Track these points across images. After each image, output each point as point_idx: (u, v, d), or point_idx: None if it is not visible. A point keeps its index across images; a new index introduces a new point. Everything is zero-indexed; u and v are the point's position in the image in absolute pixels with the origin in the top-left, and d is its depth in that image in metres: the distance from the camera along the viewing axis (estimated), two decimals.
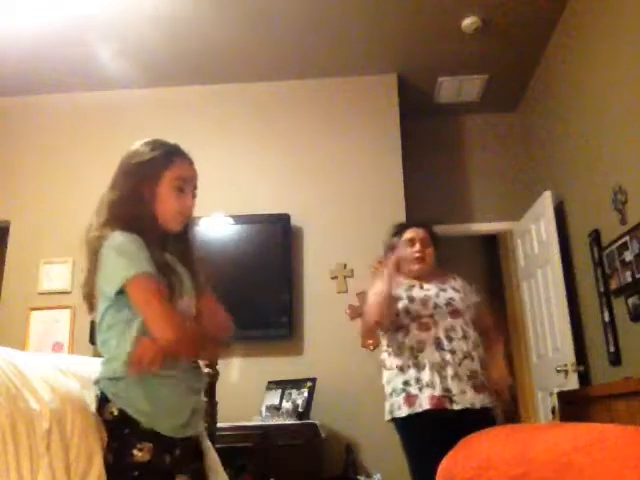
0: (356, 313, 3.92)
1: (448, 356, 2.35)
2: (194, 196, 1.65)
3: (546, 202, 3.91)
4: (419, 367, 2.35)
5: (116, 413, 1.38)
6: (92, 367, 1.65)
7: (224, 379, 3.05)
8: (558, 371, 3.56)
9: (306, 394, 3.44)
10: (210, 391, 2.40)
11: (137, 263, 1.42)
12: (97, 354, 1.56)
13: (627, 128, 3.02)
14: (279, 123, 4.36)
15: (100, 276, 1.45)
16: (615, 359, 3.19)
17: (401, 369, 2.40)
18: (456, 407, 2.28)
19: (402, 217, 4.04)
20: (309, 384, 3.48)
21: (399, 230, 2.67)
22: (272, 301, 3.85)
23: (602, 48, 3.31)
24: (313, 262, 4.04)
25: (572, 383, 3.44)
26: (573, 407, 2.83)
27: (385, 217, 4.09)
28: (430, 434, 2.28)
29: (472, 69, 4.30)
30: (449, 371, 2.33)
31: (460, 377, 2.32)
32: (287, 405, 3.43)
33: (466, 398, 2.30)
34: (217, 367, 2.49)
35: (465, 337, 2.41)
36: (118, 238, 1.46)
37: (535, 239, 4.13)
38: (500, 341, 2.62)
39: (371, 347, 3.83)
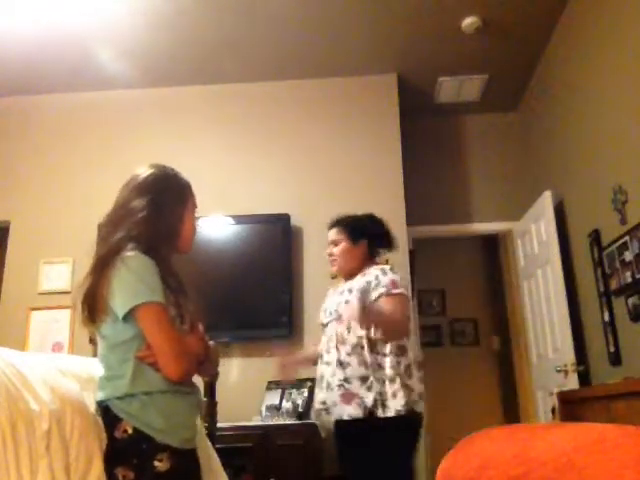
0: None
1: (324, 368, 2.36)
2: None
3: (546, 202, 3.91)
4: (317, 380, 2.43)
5: (131, 431, 1.40)
6: (92, 368, 1.65)
7: (224, 379, 3.05)
8: (558, 371, 3.56)
9: (306, 394, 3.44)
10: (210, 391, 2.40)
11: (155, 291, 1.45)
12: (97, 354, 1.56)
13: (627, 128, 3.02)
14: (279, 123, 4.36)
15: (112, 294, 1.45)
16: (615, 359, 3.19)
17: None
18: (332, 418, 2.30)
19: (402, 217, 4.04)
20: (309, 384, 3.48)
21: None
22: (272, 301, 3.85)
23: (602, 48, 3.31)
24: (313, 262, 4.04)
25: (572, 383, 3.44)
26: (573, 407, 2.83)
27: (385, 217, 4.08)
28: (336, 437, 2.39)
29: (472, 69, 4.30)
30: (324, 383, 2.33)
31: (332, 388, 2.29)
32: (287, 405, 3.43)
33: (336, 409, 2.27)
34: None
35: (342, 343, 2.32)
36: (137, 261, 1.48)
37: (535, 239, 4.14)
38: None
39: None
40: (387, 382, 2.24)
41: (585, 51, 3.53)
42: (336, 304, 2.43)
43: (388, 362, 2.27)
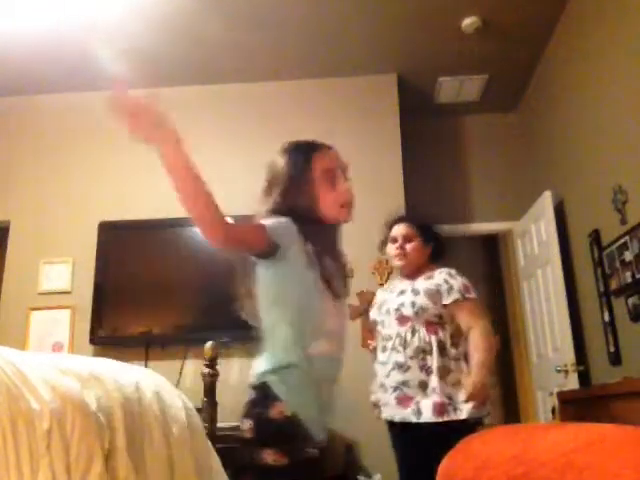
0: (356, 313, 3.92)
1: (378, 367, 2.40)
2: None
3: (546, 202, 3.91)
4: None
5: (289, 414, 1.42)
6: (93, 366, 1.65)
7: (224, 379, 3.05)
8: (558, 371, 3.56)
9: None
10: (210, 391, 2.40)
11: None
12: (97, 354, 1.56)
13: (627, 128, 3.02)
14: (279, 123, 4.36)
15: None
16: (615, 359, 3.19)
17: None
18: (383, 415, 2.36)
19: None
20: None
21: (387, 228, 2.68)
22: None
23: (602, 48, 3.31)
24: None
25: (572, 383, 3.45)
26: (573, 407, 2.83)
27: (385, 217, 4.09)
28: (391, 437, 2.44)
29: (472, 69, 4.30)
30: (377, 382, 2.39)
31: (386, 388, 2.33)
32: None
33: (387, 410, 2.32)
34: (217, 367, 2.49)
35: (403, 346, 2.32)
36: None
37: (535, 239, 4.14)
38: (475, 346, 2.28)
39: (371, 347, 3.83)
40: (454, 387, 2.24)
41: (585, 51, 3.53)
42: (397, 304, 2.41)
43: (457, 366, 2.29)
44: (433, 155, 4.76)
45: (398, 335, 2.34)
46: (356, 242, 4.03)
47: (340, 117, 4.33)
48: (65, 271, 4.08)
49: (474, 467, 1.02)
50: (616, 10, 3.14)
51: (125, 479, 1.41)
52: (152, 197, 4.20)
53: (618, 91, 3.13)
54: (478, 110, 4.80)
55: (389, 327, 2.40)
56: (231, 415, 3.09)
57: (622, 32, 3.08)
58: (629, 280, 3.00)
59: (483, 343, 2.26)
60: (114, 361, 1.73)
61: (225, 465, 1.93)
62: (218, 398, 2.52)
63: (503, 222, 4.66)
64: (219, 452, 1.95)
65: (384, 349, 2.38)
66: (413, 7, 3.68)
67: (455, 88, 4.51)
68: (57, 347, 3.92)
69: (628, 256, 3.00)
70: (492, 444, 1.06)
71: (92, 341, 3.84)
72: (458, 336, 2.35)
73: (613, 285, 3.19)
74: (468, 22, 3.77)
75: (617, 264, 3.13)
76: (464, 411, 2.19)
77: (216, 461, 1.89)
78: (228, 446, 2.41)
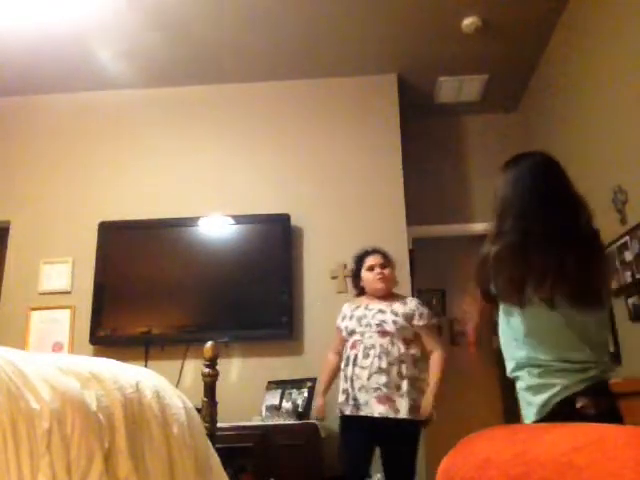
0: None
1: (358, 371, 2.80)
2: None
3: None
4: (345, 379, 2.85)
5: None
6: (93, 366, 1.65)
7: (224, 379, 3.05)
8: None
9: (306, 394, 3.44)
10: (210, 391, 2.40)
11: None
12: (97, 354, 1.55)
13: (627, 128, 3.02)
14: (279, 123, 4.36)
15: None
16: (615, 359, 3.19)
17: (343, 378, 2.90)
18: (361, 413, 2.75)
19: (402, 217, 4.05)
20: (309, 384, 3.48)
21: (359, 259, 3.08)
22: (272, 301, 3.85)
23: (602, 48, 3.31)
24: (313, 262, 4.05)
25: None
26: None
27: (385, 217, 4.10)
28: (349, 434, 2.84)
29: (472, 69, 4.30)
30: (357, 384, 2.78)
31: (367, 389, 2.76)
32: (287, 405, 3.43)
33: (367, 408, 2.74)
34: (217, 367, 2.48)
35: (385, 354, 2.77)
36: None
37: None
38: (436, 368, 2.86)
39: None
40: (419, 393, 2.81)
41: (585, 51, 3.53)
42: (378, 319, 2.86)
43: (421, 376, 2.86)
44: (433, 155, 4.76)
45: (382, 345, 2.79)
46: (356, 242, 4.04)
47: (340, 117, 4.33)
48: (65, 271, 4.08)
49: (474, 467, 1.02)
50: (616, 10, 3.14)
51: (125, 479, 1.41)
52: (152, 197, 4.21)
53: (618, 91, 3.13)
54: (478, 110, 4.81)
55: (370, 338, 2.83)
56: (231, 415, 3.10)
57: (622, 32, 3.08)
58: (629, 280, 3.00)
59: (441, 365, 2.88)
60: (114, 361, 1.73)
61: (225, 465, 1.93)
62: (218, 398, 2.52)
63: None
64: (219, 452, 1.95)
65: (366, 356, 2.79)
66: (413, 7, 3.68)
67: (455, 88, 4.51)
68: (57, 347, 3.92)
69: (628, 256, 3.00)
70: (492, 444, 1.06)
71: (92, 341, 3.84)
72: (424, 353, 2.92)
73: (613, 285, 3.19)
74: (468, 22, 3.77)
75: (617, 264, 3.13)
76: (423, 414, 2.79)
77: (216, 461, 1.89)
78: (228, 446, 2.42)
